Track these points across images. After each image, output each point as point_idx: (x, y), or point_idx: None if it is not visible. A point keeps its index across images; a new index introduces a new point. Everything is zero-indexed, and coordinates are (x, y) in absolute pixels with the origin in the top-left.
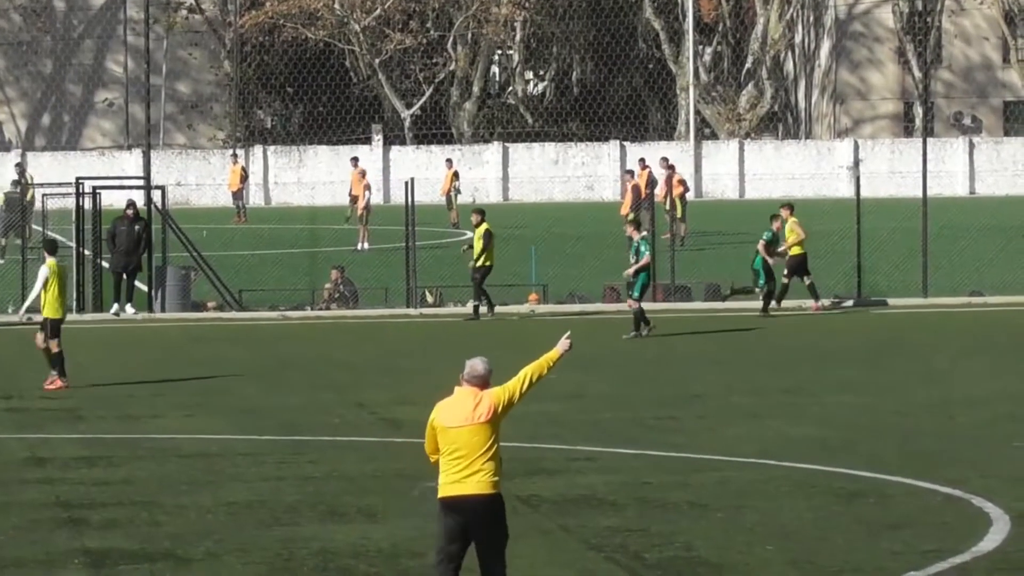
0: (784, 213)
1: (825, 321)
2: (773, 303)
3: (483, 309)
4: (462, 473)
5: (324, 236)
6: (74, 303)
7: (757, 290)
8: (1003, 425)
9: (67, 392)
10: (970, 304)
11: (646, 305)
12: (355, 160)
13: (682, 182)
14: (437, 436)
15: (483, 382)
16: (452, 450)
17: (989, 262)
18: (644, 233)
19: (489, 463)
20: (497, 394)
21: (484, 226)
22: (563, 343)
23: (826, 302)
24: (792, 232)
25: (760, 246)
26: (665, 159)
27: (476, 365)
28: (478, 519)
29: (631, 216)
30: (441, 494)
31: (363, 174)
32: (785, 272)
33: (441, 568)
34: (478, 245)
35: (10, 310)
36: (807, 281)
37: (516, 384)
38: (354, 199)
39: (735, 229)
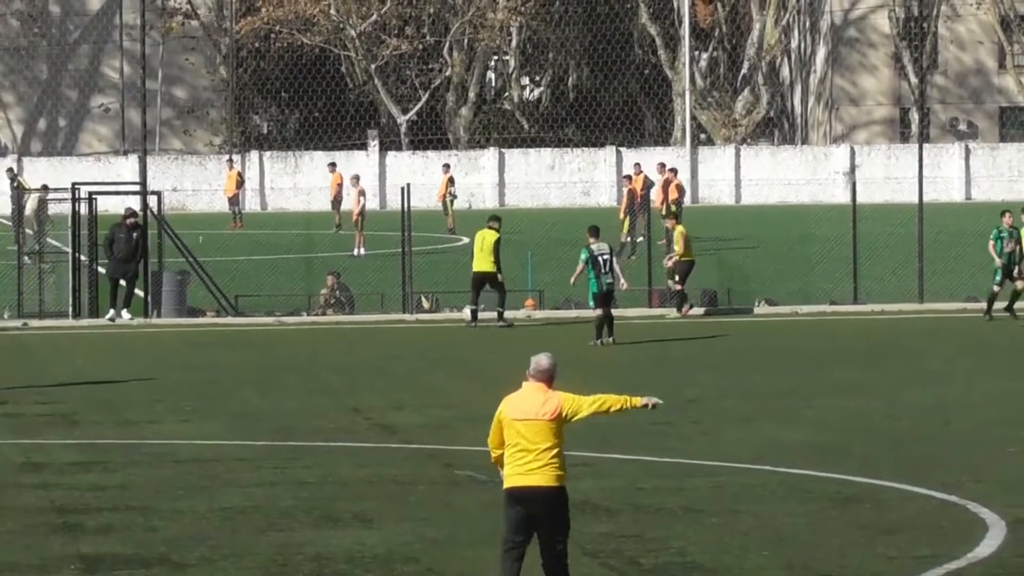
0: (669, 223)
1: (819, 325)
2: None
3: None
4: (527, 466)
5: (320, 242)
6: (70, 308)
7: (996, 288)
8: (998, 430)
9: (63, 397)
10: (965, 309)
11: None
12: (332, 165)
13: (679, 187)
14: (503, 429)
15: (548, 376)
16: (516, 443)
17: (985, 268)
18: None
19: (553, 458)
20: (567, 399)
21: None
22: (652, 400)
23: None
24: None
25: (990, 246)
26: (664, 164)
27: (541, 360)
28: (541, 511)
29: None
30: (506, 485)
31: (356, 180)
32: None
33: (506, 556)
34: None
35: (5, 315)
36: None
37: (588, 402)
38: (335, 204)
39: (731, 235)
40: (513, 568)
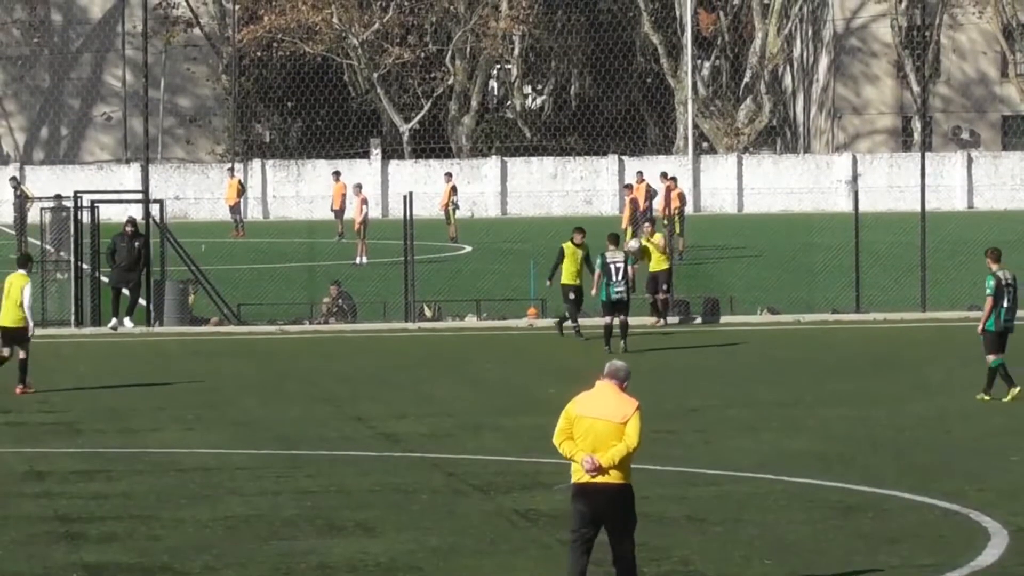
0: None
1: (822, 334)
2: None
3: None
4: None
5: (322, 250)
6: (72, 317)
7: None
8: (1000, 438)
9: (66, 405)
10: (968, 318)
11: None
12: (336, 174)
13: (680, 196)
14: (572, 425)
15: (618, 378)
16: (583, 438)
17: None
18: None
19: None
20: (639, 420)
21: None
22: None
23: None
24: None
25: None
26: (665, 173)
27: (616, 364)
28: (607, 506)
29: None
30: (574, 480)
31: (359, 188)
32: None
33: (573, 548)
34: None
35: None
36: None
37: (636, 442)
38: (338, 213)
39: (733, 243)
40: (580, 561)
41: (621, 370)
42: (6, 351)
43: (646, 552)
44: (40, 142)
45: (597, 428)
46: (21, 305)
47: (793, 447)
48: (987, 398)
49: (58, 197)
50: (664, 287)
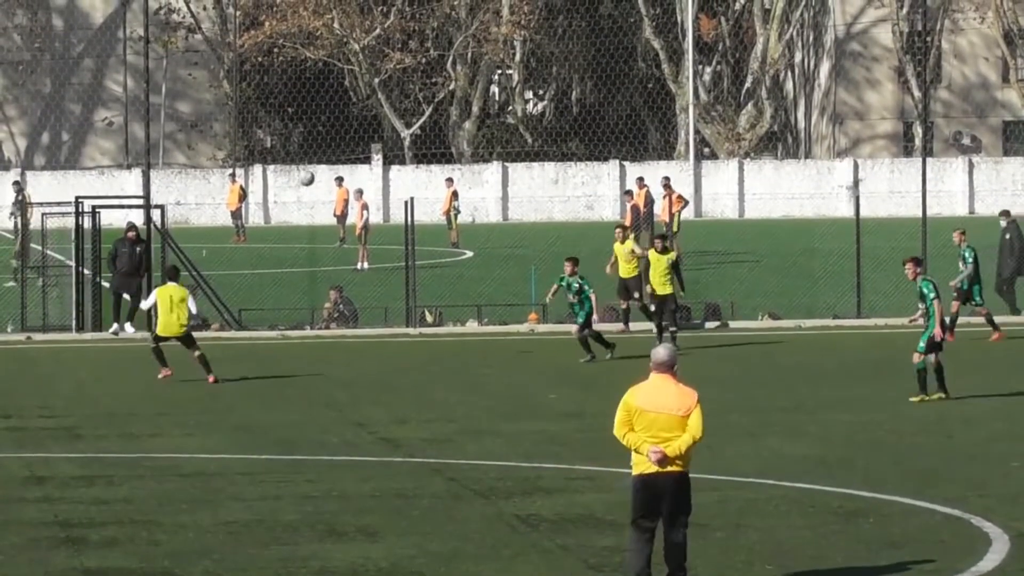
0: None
1: (823, 339)
2: None
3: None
4: None
5: (323, 255)
6: (73, 322)
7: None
8: (1001, 443)
9: (66, 410)
10: (968, 323)
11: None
12: (339, 180)
13: (681, 198)
14: (633, 417)
15: (669, 367)
16: (645, 430)
17: (988, 282)
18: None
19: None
20: (700, 411)
21: (671, 254)
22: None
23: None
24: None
25: None
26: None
27: (660, 353)
28: (667, 495)
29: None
30: (637, 471)
31: (360, 194)
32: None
33: (639, 539)
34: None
35: (9, 329)
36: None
37: (701, 433)
38: (340, 219)
39: (735, 249)
40: (645, 550)
41: (669, 359)
42: (167, 371)
43: None
44: (41, 147)
45: (660, 421)
46: (187, 316)
47: (794, 452)
48: (927, 398)
49: (16, 183)
50: (636, 295)
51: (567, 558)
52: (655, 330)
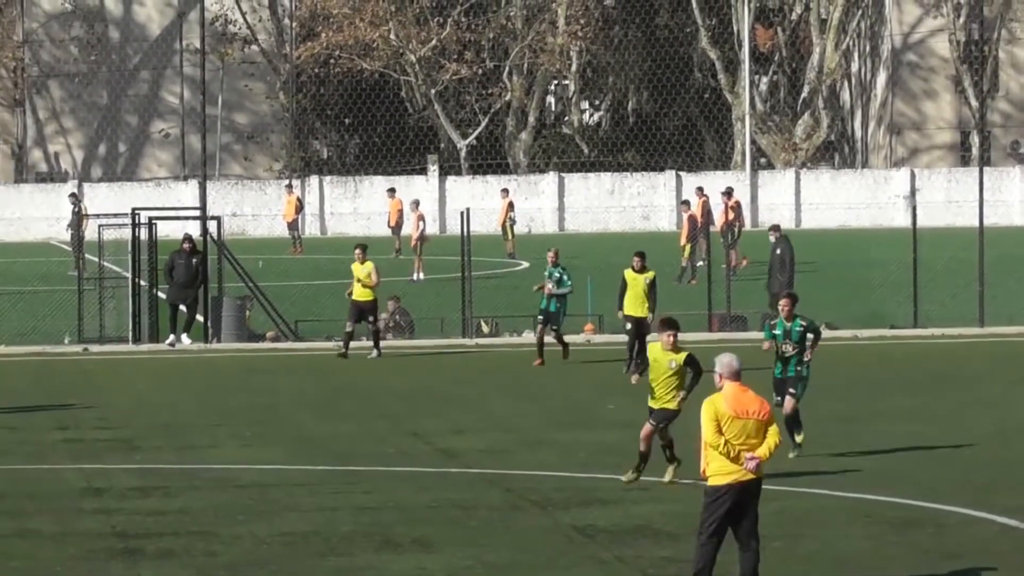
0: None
1: (880, 349)
2: None
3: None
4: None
5: (380, 266)
6: (130, 333)
7: None
8: None
9: (123, 422)
10: None
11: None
12: (392, 191)
13: (733, 208)
14: (724, 425)
15: (740, 375)
16: (736, 437)
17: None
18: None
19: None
20: (773, 416)
21: (650, 273)
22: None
23: None
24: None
25: None
26: (730, 188)
27: (731, 362)
28: (748, 500)
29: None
30: (725, 481)
31: (416, 204)
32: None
33: (710, 545)
34: None
35: (66, 340)
36: None
37: (779, 437)
38: (395, 230)
39: None
40: (714, 556)
41: (740, 367)
42: (350, 326)
43: None
44: (98, 159)
45: (749, 428)
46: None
47: (851, 462)
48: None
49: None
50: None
51: (624, 569)
52: (627, 355)
